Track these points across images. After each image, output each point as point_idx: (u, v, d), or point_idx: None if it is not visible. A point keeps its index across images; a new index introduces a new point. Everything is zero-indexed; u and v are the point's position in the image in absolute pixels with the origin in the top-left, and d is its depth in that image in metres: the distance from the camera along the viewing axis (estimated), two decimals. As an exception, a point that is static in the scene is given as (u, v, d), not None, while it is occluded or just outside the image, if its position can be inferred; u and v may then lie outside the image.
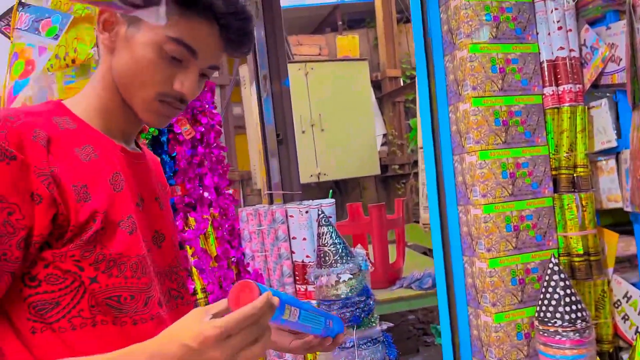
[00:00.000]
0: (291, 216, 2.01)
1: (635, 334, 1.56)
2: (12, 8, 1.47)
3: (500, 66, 1.59)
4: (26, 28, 1.41)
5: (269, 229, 2.02)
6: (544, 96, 1.64)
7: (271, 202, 2.35)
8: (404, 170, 6.44)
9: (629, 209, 1.55)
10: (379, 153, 6.11)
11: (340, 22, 6.69)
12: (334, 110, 5.56)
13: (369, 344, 1.66)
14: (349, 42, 6.18)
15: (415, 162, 5.52)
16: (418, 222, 4.90)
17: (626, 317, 1.59)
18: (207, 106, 2.06)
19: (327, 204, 1.91)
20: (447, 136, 1.68)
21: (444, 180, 1.69)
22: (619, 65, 1.56)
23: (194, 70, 0.81)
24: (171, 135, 1.97)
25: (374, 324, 1.72)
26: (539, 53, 1.64)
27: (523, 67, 1.62)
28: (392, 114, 6.56)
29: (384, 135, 6.50)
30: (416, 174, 5.23)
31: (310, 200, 2.10)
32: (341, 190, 6.35)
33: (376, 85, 6.54)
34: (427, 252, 4.61)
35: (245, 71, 4.90)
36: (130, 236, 0.75)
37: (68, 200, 0.70)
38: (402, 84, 6.51)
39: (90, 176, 0.73)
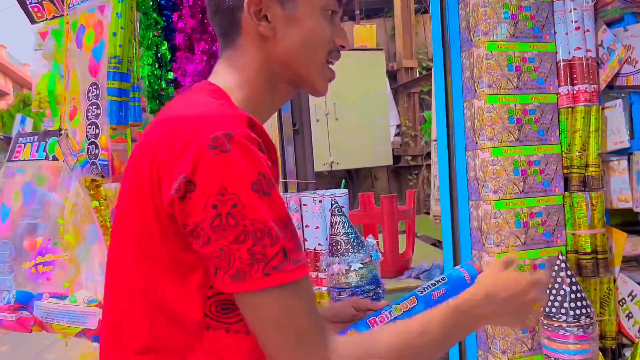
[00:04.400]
0: (305, 205, 2.05)
1: (639, 331, 1.59)
2: None
3: (517, 64, 1.61)
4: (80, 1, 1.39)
5: (282, 216, 2.06)
6: (558, 95, 1.65)
7: (285, 190, 2.40)
8: (417, 161, 6.45)
9: (639, 210, 1.57)
10: (392, 143, 6.13)
11: (358, 12, 6.67)
12: (349, 99, 5.57)
13: (376, 331, 1.71)
14: (366, 31, 6.17)
15: (428, 154, 5.52)
16: (428, 213, 4.92)
17: (630, 315, 1.62)
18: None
19: (341, 194, 1.95)
20: (461, 132, 1.71)
21: (457, 176, 1.72)
22: (634, 67, 1.58)
23: (338, 19, 0.84)
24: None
25: (382, 313, 1.77)
26: (556, 52, 1.66)
27: (539, 66, 1.64)
28: (407, 104, 6.55)
29: (398, 125, 6.50)
30: (428, 166, 5.24)
31: (324, 190, 2.14)
32: (353, 179, 6.38)
33: (392, 75, 6.53)
34: (437, 244, 4.63)
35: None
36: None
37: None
38: (418, 74, 6.50)
39: (275, 179, 0.73)
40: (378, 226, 3.00)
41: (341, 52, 0.85)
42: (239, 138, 0.64)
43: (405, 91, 6.54)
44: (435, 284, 0.95)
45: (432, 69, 1.81)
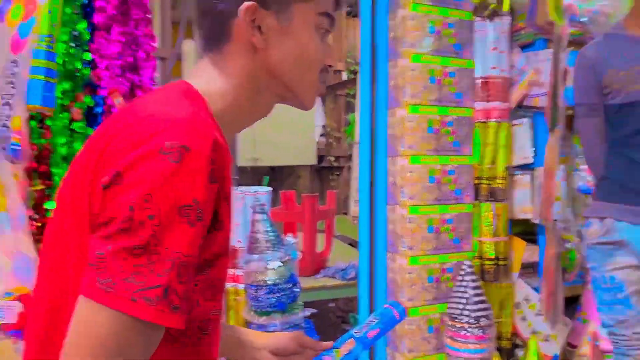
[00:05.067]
0: (226, 200, 2.03)
1: (531, 333, 1.73)
2: None
3: (438, 78, 1.70)
4: None
5: (202, 211, 2.02)
6: (474, 110, 1.76)
7: (206, 184, 2.35)
8: (339, 162, 6.56)
9: (536, 221, 1.71)
10: (317, 143, 6.20)
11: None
12: (276, 96, 5.55)
13: (291, 329, 1.73)
14: (297, 29, 6.18)
15: (351, 156, 5.64)
16: (347, 213, 5.03)
17: (524, 317, 1.76)
18: (146, 81, 2.02)
19: (263, 192, 1.95)
20: (383, 138, 1.77)
21: (376, 180, 1.78)
22: (541, 89, 1.71)
23: (330, 39, 0.82)
24: (106, 108, 1.92)
25: (297, 311, 1.79)
26: (474, 69, 1.76)
27: (459, 81, 1.73)
28: (333, 106, 6.65)
29: (324, 126, 6.58)
30: (350, 168, 5.36)
31: (247, 186, 2.13)
32: (276, 176, 6.38)
33: (320, 76, 6.59)
34: (353, 244, 4.75)
35: (189, 47, 4.78)
36: (226, 258, 0.71)
37: (228, 227, 0.66)
38: (345, 77, 6.61)
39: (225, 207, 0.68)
40: (298, 224, 3.02)
41: None
42: (194, 156, 0.59)
43: (332, 92, 6.63)
44: (369, 324, 0.99)
45: (359, 76, 1.85)
